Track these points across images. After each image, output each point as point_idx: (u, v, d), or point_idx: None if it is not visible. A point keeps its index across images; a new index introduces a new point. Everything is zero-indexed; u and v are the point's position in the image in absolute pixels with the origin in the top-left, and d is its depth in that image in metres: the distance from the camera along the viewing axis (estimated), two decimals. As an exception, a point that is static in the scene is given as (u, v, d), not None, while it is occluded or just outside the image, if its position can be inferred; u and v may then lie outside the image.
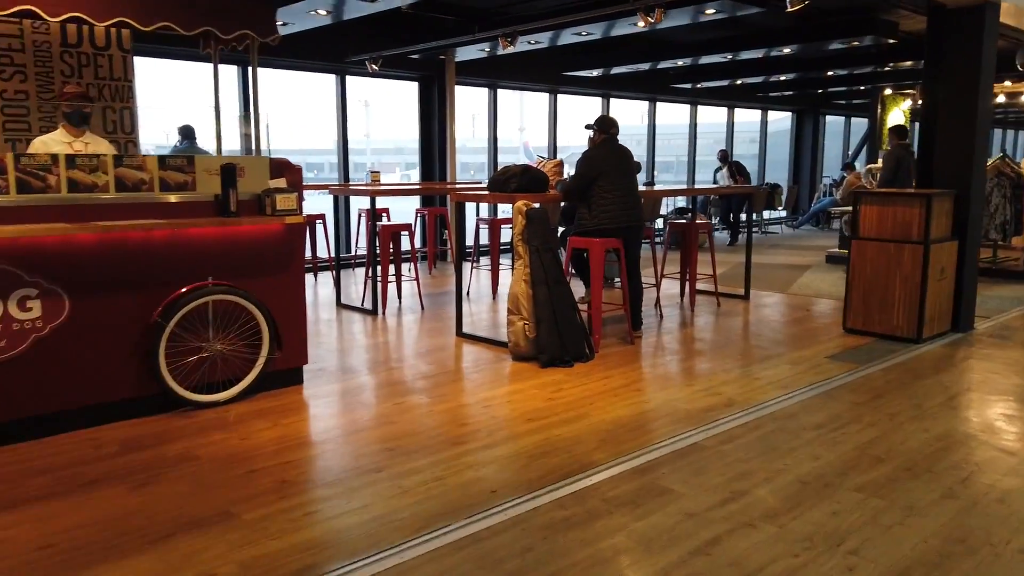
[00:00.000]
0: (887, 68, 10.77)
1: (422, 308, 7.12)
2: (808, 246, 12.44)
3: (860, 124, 19.60)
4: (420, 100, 10.71)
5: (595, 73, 11.22)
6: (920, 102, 6.19)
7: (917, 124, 19.18)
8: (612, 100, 13.20)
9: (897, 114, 11.21)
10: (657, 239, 12.95)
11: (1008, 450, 3.59)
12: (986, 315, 6.70)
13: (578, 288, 7.20)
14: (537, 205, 5.36)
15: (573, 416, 4.05)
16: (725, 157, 12.99)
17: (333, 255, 8.26)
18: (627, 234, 5.67)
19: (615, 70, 11.02)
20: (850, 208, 11.14)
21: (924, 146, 6.23)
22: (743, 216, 12.75)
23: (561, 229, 6.96)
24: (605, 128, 5.74)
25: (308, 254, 8.59)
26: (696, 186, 14.60)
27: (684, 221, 7.50)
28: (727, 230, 13.29)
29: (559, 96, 12.38)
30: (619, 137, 5.85)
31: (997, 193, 9.29)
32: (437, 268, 9.69)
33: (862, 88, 13.53)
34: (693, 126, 14.97)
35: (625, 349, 5.59)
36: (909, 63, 10.44)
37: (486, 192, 5.90)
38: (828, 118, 17.84)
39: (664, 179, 15.27)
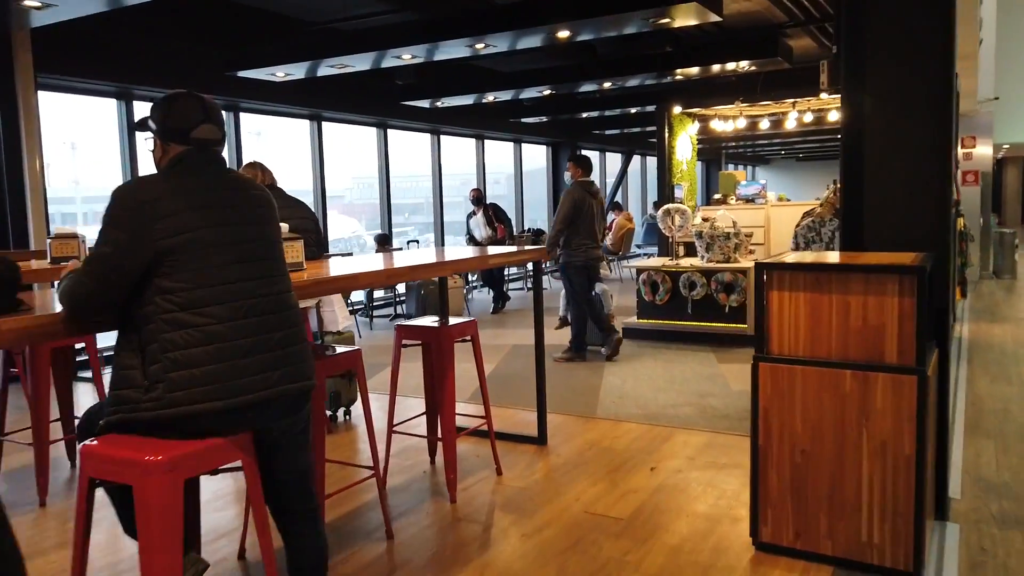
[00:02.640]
0: (676, 78, 8.36)
1: None
2: (590, 308, 9.70)
3: (615, 159, 18.00)
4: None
5: (294, 72, 7.45)
6: (844, 116, 3.36)
7: (704, 163, 17.94)
8: (325, 124, 9.62)
9: (684, 139, 8.93)
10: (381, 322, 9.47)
11: None
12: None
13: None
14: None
15: None
16: (479, 198, 9.95)
17: None
18: (265, 420, 2.07)
19: (324, 69, 7.34)
20: (613, 256, 8.53)
21: (850, 185, 3.41)
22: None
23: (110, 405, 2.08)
24: (181, 128, 2.08)
25: None
26: (446, 237, 11.51)
27: (431, 325, 4.00)
28: (488, 290, 10.24)
29: (242, 115, 8.52)
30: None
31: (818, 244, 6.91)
32: None
33: (632, 112, 11.27)
34: (437, 160, 11.84)
35: None
36: (697, 69, 8.08)
37: None
38: (585, 152, 15.73)
39: (400, 222, 12.01)
